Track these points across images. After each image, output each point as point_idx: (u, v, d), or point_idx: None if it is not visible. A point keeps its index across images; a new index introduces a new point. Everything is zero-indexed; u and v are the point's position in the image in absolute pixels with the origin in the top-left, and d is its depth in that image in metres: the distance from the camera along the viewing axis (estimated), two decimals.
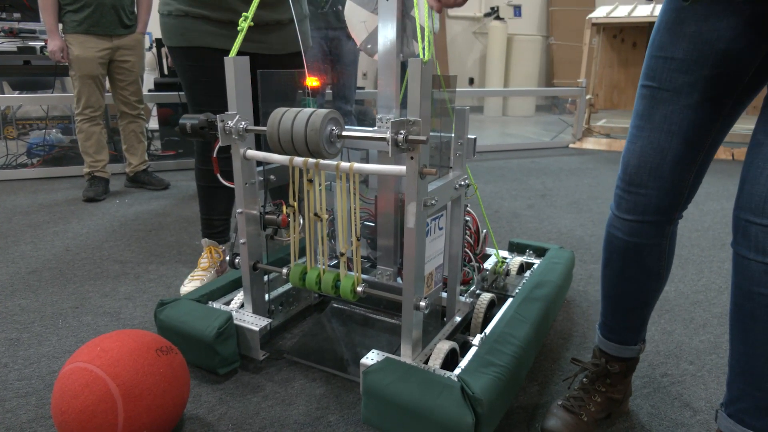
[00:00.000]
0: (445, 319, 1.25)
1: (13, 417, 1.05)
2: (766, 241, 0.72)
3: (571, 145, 4.31)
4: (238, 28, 1.14)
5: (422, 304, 1.02)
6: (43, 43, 3.14)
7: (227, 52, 1.39)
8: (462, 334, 1.27)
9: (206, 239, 1.68)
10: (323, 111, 0.97)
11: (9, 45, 3.25)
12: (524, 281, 1.39)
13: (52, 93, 4.01)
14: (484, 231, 1.46)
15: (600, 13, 4.35)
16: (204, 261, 1.66)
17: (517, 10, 6.46)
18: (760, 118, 0.75)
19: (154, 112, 3.67)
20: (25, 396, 1.12)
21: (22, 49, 3.14)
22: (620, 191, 0.92)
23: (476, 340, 1.10)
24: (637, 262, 0.94)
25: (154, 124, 3.78)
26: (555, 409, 1.02)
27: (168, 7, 1.51)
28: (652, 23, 4.18)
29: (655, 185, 0.87)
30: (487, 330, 1.15)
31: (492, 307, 1.32)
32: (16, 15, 3.09)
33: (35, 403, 1.09)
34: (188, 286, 1.59)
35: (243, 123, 1.10)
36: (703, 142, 0.84)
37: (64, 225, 2.23)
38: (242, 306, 1.29)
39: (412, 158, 0.93)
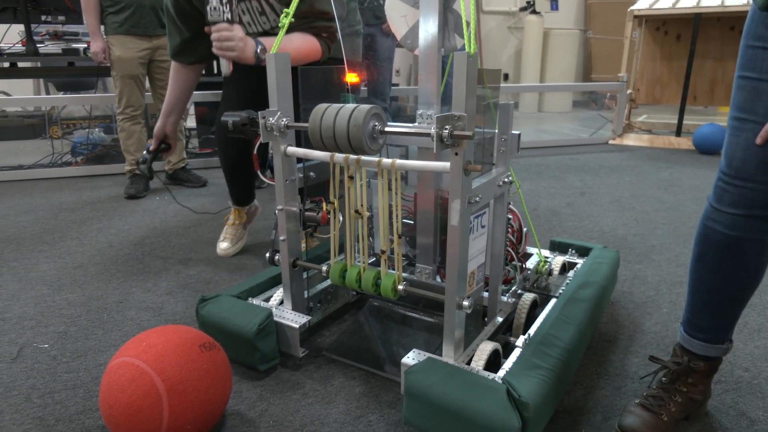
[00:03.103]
0: (486, 319, 1.22)
1: (62, 408, 1.08)
2: None
3: (610, 142, 4.20)
4: (279, 24, 1.14)
5: (465, 303, 1.00)
6: (86, 45, 3.23)
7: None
8: (504, 335, 1.24)
9: (233, 205, 1.90)
10: (366, 106, 0.96)
11: (54, 47, 3.35)
12: (568, 281, 1.35)
13: (94, 93, 4.13)
14: (526, 229, 1.43)
15: (642, 5, 4.21)
16: (230, 219, 1.92)
17: (554, 4, 6.32)
18: None
19: (192, 110, 3.74)
20: (73, 388, 1.14)
21: (66, 51, 3.24)
22: (723, 184, 0.88)
23: (519, 341, 1.07)
24: (737, 257, 0.90)
25: (191, 122, 3.85)
26: (632, 407, 0.99)
27: None
28: (697, 15, 4.03)
29: (763, 179, 0.83)
30: (531, 331, 1.12)
31: (534, 308, 1.28)
32: (61, 18, 3.18)
33: (83, 395, 1.12)
34: (222, 244, 1.89)
35: (284, 120, 1.10)
36: None
37: (107, 221, 2.29)
38: (282, 303, 1.29)
39: (456, 154, 0.91)
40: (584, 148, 3.97)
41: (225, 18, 1.27)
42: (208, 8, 1.28)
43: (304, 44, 1.48)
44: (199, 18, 1.55)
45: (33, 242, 2.03)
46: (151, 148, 1.71)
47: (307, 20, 1.49)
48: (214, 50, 1.33)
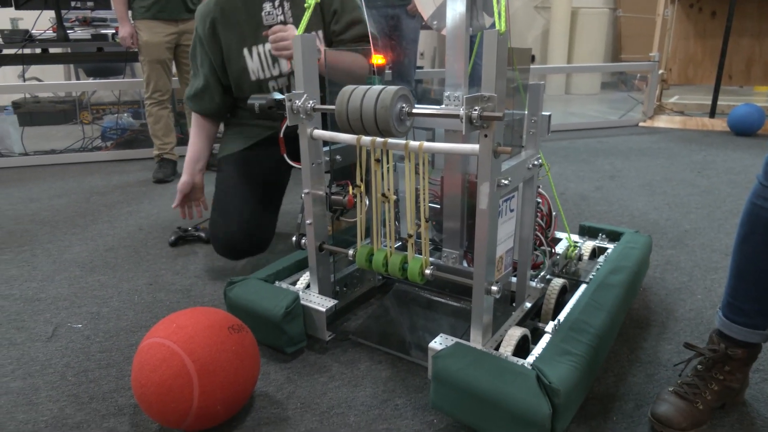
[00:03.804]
0: (514, 304, 1.21)
1: (96, 387, 1.10)
2: None
3: (641, 124, 4.08)
4: (306, 5, 1.12)
5: (494, 288, 0.99)
6: (114, 31, 3.26)
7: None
8: (532, 321, 1.23)
9: None
10: (393, 88, 0.94)
11: (83, 33, 3.40)
12: (598, 267, 1.33)
13: (123, 78, 4.19)
14: (555, 213, 1.40)
15: None
16: None
17: None
18: None
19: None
20: (107, 367, 1.17)
21: (95, 37, 3.28)
22: None
23: (549, 327, 1.06)
24: None
25: None
26: (666, 395, 0.97)
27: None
28: None
29: None
30: (561, 317, 1.10)
31: (564, 293, 1.26)
32: (90, 4, 3.22)
33: (115, 374, 1.14)
34: None
35: (310, 102, 1.09)
36: None
37: (136, 205, 2.33)
38: (308, 286, 1.29)
39: (486, 136, 0.89)
40: (613, 131, 3.87)
41: (279, 20, 1.37)
42: (262, 14, 1.40)
43: (356, 61, 1.48)
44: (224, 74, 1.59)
45: (66, 225, 2.08)
46: (174, 205, 1.62)
47: (358, 43, 1.56)
48: (273, 52, 1.36)
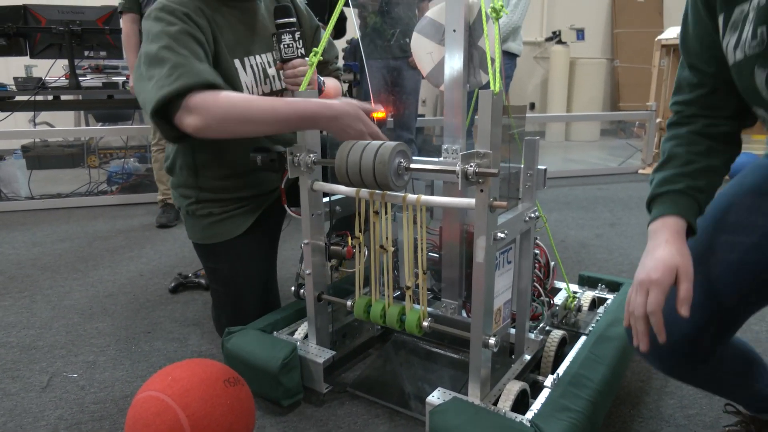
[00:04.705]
0: (513, 356, 1.19)
1: None
2: None
3: (640, 171, 4.12)
4: (308, 62, 1.16)
5: (491, 341, 0.98)
6: (125, 78, 3.36)
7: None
8: (532, 374, 1.21)
9: None
10: (391, 144, 0.97)
11: (95, 81, 3.50)
12: (598, 318, 1.32)
13: (131, 124, 4.29)
14: (553, 263, 1.40)
15: (670, 34, 4.19)
16: None
17: (580, 34, 6.33)
18: None
19: None
20: (100, 420, 1.15)
21: (106, 85, 3.38)
22: None
23: (548, 381, 1.04)
24: None
25: None
26: None
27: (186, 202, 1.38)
28: None
29: None
30: (560, 370, 1.08)
31: (563, 346, 1.25)
32: (102, 53, 3.34)
33: (109, 427, 1.13)
34: None
35: (311, 156, 1.12)
36: None
37: (138, 250, 2.34)
38: (306, 337, 1.29)
39: (481, 191, 0.91)
40: (613, 178, 3.91)
41: (300, 54, 1.29)
42: (281, 46, 1.26)
43: (335, 86, 1.51)
44: None
45: (67, 270, 2.09)
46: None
47: (326, 66, 1.56)
48: (288, 86, 1.32)
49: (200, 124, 1.08)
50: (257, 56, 1.36)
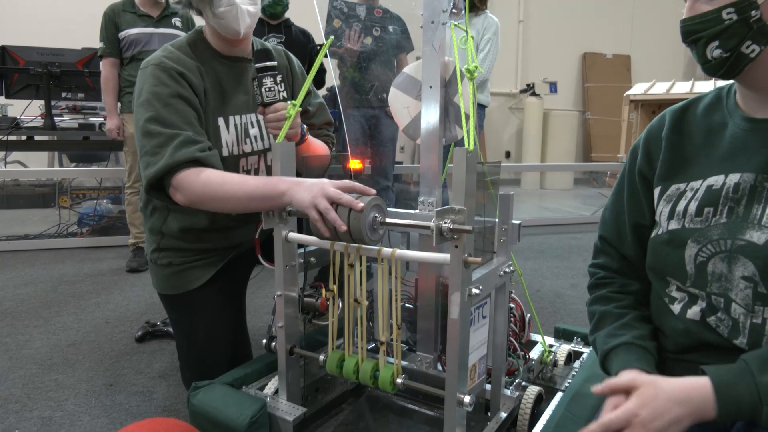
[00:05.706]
0: (489, 413, 1.17)
1: None
2: None
3: None
4: (286, 115, 1.17)
5: (466, 400, 0.96)
6: (102, 120, 3.35)
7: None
8: None
9: None
10: (366, 198, 0.97)
11: (71, 122, 3.48)
12: (574, 373, 1.31)
13: (106, 165, 4.24)
14: (528, 316, 1.40)
15: (638, 90, 4.38)
16: None
17: (553, 87, 6.59)
18: None
19: None
20: None
21: (82, 126, 3.36)
22: None
23: None
24: None
25: None
26: None
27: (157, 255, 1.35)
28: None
29: None
30: (536, 429, 1.06)
31: (540, 402, 1.23)
32: (80, 95, 3.33)
33: None
34: None
35: (287, 207, 1.11)
36: None
37: (106, 296, 2.27)
38: (276, 392, 1.24)
39: (456, 247, 0.91)
40: (587, 227, 3.98)
41: (281, 97, 1.24)
42: (262, 89, 1.22)
43: (322, 147, 1.48)
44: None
45: (29, 317, 2.01)
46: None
47: (318, 131, 1.54)
48: (270, 131, 1.26)
49: (185, 200, 1.17)
50: (242, 116, 1.36)
